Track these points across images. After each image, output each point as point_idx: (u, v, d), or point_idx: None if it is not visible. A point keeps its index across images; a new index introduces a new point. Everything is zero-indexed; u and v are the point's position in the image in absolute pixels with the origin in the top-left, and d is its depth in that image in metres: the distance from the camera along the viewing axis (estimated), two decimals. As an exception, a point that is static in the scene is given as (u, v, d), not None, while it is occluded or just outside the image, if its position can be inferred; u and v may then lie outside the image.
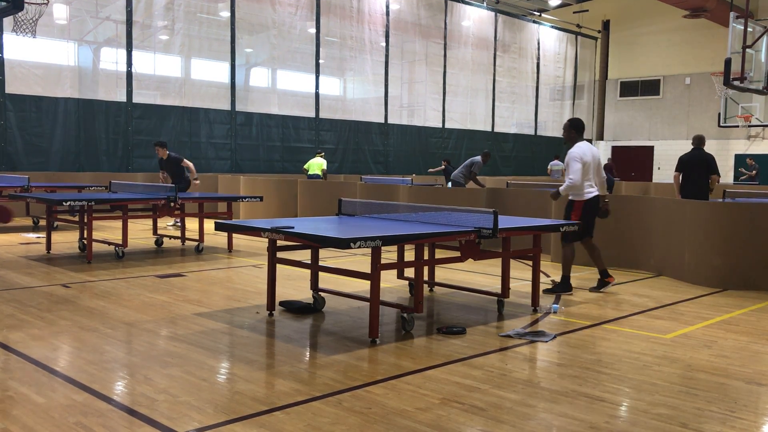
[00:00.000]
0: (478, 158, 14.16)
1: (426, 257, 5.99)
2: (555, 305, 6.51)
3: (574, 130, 7.28)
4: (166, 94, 17.89)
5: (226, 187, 15.52)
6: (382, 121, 22.62)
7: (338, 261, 8.74)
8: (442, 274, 7.99)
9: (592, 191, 7.22)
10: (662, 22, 28.68)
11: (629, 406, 3.94)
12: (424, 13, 23.72)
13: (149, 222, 11.96)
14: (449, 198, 11.16)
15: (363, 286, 6.37)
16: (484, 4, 25.59)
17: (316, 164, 17.33)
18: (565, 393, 4.10)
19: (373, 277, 5.10)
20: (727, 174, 25.06)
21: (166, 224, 12.97)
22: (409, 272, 6.75)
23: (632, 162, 29.81)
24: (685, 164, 10.24)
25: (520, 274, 8.22)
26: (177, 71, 18.58)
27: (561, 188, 7.27)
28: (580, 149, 7.19)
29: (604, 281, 7.38)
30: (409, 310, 5.55)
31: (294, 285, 7.32)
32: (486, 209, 5.80)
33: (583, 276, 8.36)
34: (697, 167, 10.11)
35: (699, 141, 10.28)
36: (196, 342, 5.05)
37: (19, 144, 15.03)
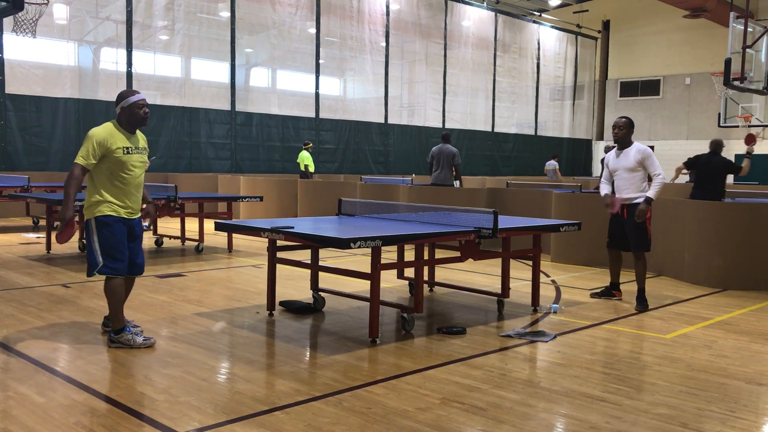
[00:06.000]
0: (451, 147, 12.22)
1: (426, 257, 5.99)
2: (555, 305, 6.51)
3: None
4: (166, 94, 17.89)
5: (226, 187, 15.51)
6: (382, 121, 22.62)
7: (338, 261, 8.74)
8: (442, 274, 7.99)
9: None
10: (662, 22, 28.68)
11: (629, 406, 3.94)
12: (424, 13, 23.72)
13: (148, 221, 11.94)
14: (449, 198, 11.16)
15: (363, 286, 6.37)
16: (484, 4, 25.59)
17: (300, 158, 17.23)
18: (565, 393, 4.10)
19: (373, 277, 5.10)
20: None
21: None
22: (409, 272, 6.75)
23: (632, 162, 29.90)
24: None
25: (520, 274, 8.22)
26: (177, 71, 18.58)
27: (653, 192, 6.51)
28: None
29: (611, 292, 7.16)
30: (409, 310, 5.55)
31: (294, 285, 7.32)
32: (486, 209, 5.80)
33: (583, 276, 8.37)
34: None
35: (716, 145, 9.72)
36: (196, 342, 5.05)
37: (19, 144, 15.03)
